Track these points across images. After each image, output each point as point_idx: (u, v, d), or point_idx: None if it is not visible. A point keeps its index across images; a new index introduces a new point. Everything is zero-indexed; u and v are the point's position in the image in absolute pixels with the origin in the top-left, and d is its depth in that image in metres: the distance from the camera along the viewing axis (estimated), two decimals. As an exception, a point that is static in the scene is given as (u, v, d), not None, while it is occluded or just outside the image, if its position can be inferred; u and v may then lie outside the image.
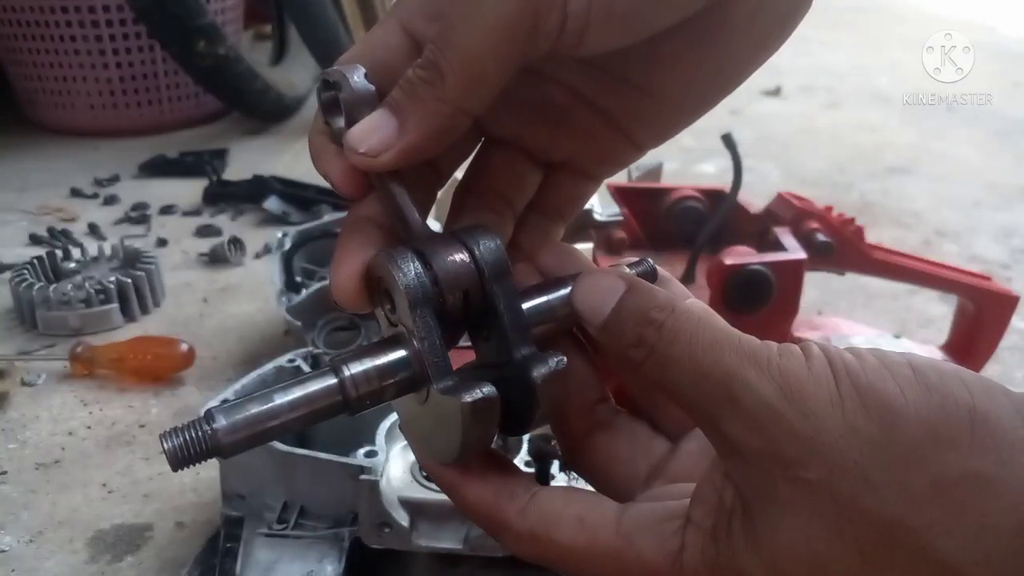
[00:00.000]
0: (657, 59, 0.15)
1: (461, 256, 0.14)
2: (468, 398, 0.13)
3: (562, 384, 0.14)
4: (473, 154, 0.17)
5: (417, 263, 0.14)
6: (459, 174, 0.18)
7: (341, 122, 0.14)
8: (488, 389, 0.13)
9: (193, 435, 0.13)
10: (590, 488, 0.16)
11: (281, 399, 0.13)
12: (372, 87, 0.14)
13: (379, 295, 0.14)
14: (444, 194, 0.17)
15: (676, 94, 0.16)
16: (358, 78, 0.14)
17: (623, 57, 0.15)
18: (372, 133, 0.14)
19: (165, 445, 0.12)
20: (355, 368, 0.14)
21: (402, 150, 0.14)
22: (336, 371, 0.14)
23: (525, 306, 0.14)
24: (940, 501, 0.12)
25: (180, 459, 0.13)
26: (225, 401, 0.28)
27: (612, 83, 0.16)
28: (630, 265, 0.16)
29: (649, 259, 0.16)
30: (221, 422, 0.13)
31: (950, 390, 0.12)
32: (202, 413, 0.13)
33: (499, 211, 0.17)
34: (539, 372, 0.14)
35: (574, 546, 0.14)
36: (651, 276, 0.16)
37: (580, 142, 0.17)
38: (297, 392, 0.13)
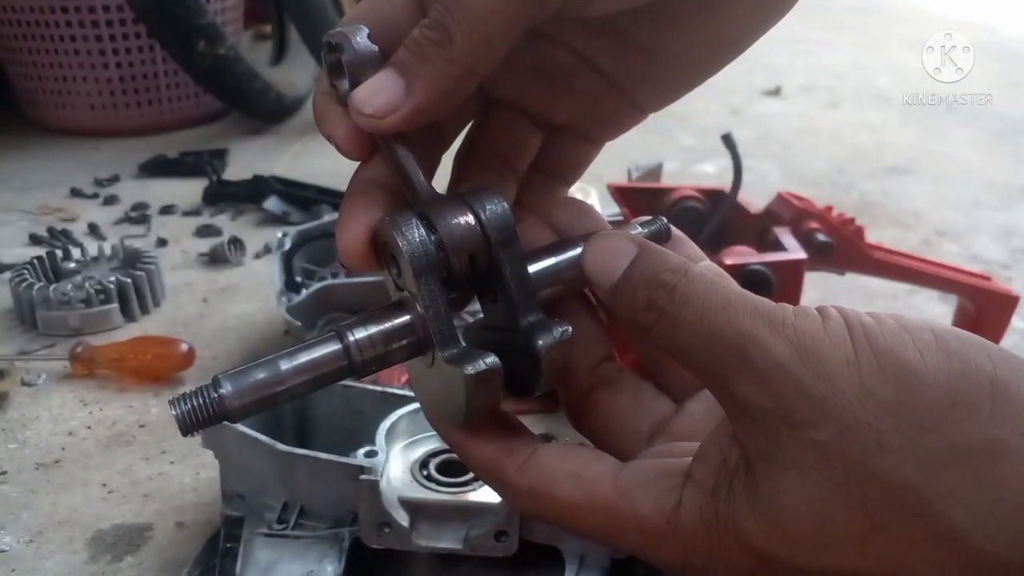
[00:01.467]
0: (662, 21, 0.15)
1: (466, 219, 0.14)
2: (470, 370, 0.13)
3: (566, 352, 0.14)
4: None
5: (422, 228, 0.14)
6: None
7: (346, 84, 0.14)
8: (490, 360, 0.13)
9: (201, 401, 0.13)
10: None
11: (287, 365, 0.13)
12: (375, 48, 0.14)
13: (385, 258, 0.14)
14: None
15: (680, 57, 0.16)
16: (361, 39, 0.14)
17: (628, 18, 0.15)
18: (379, 94, 0.14)
19: (174, 411, 0.13)
20: (359, 333, 0.14)
21: (410, 112, 0.14)
22: (340, 337, 0.14)
23: (533, 268, 0.14)
24: (956, 468, 0.11)
25: (189, 424, 0.13)
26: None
27: (615, 45, 0.16)
28: (643, 223, 0.16)
29: (663, 217, 0.16)
30: (227, 388, 0.13)
31: (971, 357, 0.12)
32: (211, 382, 0.13)
33: (501, 172, 0.17)
34: (543, 342, 0.14)
35: (570, 501, 0.14)
36: (664, 234, 0.16)
37: (581, 104, 0.17)
38: (302, 358, 0.13)
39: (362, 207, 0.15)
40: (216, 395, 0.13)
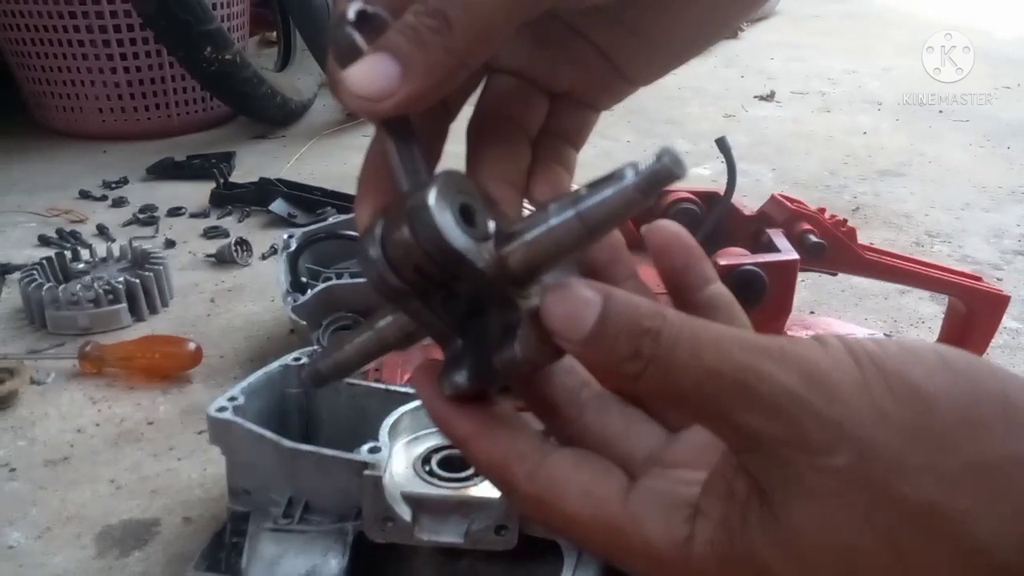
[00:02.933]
0: (648, 5, 0.16)
1: (400, 235, 0.13)
2: (447, 389, 0.14)
3: (521, 367, 0.13)
4: (481, 87, 0.17)
5: (377, 252, 0.13)
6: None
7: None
8: (460, 380, 0.14)
9: (309, 368, 0.16)
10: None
11: (347, 343, 0.16)
12: (353, 33, 0.14)
13: None
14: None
15: (665, 38, 0.16)
16: (338, 29, 0.14)
17: (617, 2, 0.15)
18: (373, 78, 0.13)
19: (299, 376, 0.17)
20: (383, 320, 0.15)
21: (406, 98, 0.13)
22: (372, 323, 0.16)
23: (508, 248, 0.13)
24: (976, 485, 0.11)
25: (309, 383, 0.16)
26: (232, 399, 0.28)
27: (605, 22, 0.16)
28: (643, 166, 0.12)
29: (668, 147, 0.12)
30: (319, 362, 0.16)
31: (979, 376, 0.12)
32: (314, 354, 0.17)
33: (514, 139, 0.17)
34: (496, 364, 0.14)
35: (579, 516, 0.14)
36: (669, 174, 0.11)
37: (579, 73, 0.17)
38: (356, 339, 0.16)
39: (372, 188, 0.15)
40: (315, 365, 0.16)
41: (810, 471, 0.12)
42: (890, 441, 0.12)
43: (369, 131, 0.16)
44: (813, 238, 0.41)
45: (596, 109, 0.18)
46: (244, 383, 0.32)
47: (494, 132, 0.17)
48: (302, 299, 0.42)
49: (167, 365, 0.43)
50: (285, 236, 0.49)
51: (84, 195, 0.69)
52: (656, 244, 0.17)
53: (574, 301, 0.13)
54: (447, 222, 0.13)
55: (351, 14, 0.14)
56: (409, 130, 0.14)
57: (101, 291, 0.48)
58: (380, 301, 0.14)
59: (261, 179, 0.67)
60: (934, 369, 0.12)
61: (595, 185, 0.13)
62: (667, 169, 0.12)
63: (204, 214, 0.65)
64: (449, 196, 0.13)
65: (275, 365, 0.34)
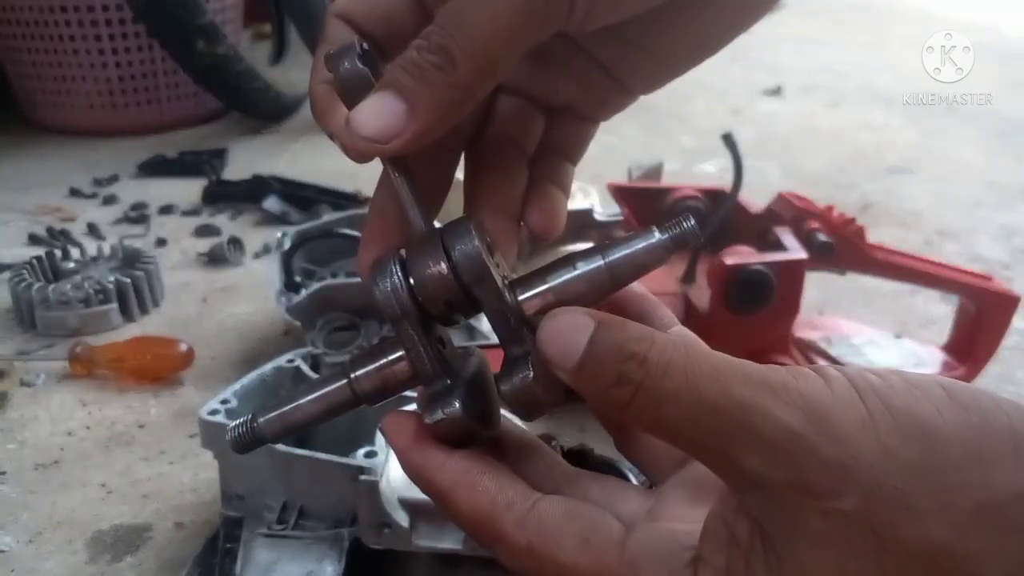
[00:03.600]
0: (649, 20, 0.16)
1: (439, 268, 0.14)
2: (428, 419, 0.14)
3: (530, 390, 0.14)
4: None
5: (397, 275, 0.14)
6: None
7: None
8: (450, 410, 0.14)
9: (244, 429, 0.16)
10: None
11: (303, 399, 0.15)
12: (365, 69, 0.14)
13: None
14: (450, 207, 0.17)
15: (666, 51, 0.17)
16: (348, 64, 0.14)
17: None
18: (379, 118, 0.13)
19: (227, 436, 0.16)
20: (359, 370, 0.15)
21: (412, 136, 0.14)
22: (345, 373, 0.15)
23: (524, 295, 0.14)
24: (987, 525, 0.11)
25: (238, 446, 0.16)
26: (225, 401, 0.29)
27: (607, 38, 0.16)
28: (667, 227, 0.14)
29: (691, 218, 0.14)
30: (261, 422, 0.16)
31: (987, 410, 0.12)
32: (250, 415, 0.16)
33: (512, 157, 0.17)
34: (504, 387, 0.14)
35: (575, 566, 0.13)
36: (692, 237, 0.14)
37: (579, 87, 0.17)
38: (316, 393, 0.15)
39: (379, 231, 0.15)
40: (255, 426, 0.16)
41: (815, 515, 0.12)
42: (897, 481, 0.11)
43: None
44: (821, 237, 0.40)
45: (595, 121, 0.18)
46: (236, 385, 0.32)
47: (493, 156, 0.17)
48: (296, 299, 0.42)
49: (158, 367, 0.43)
50: (278, 234, 0.48)
51: (74, 193, 0.68)
52: (610, 299, 0.17)
53: (567, 326, 0.13)
54: (490, 263, 0.14)
55: (359, 47, 0.14)
56: (407, 166, 0.15)
57: (91, 291, 0.48)
58: (394, 330, 0.14)
59: (254, 176, 0.66)
60: (941, 404, 0.12)
61: (619, 241, 0.14)
62: (693, 230, 0.14)
63: (196, 212, 0.64)
64: (483, 239, 0.14)
65: (268, 367, 0.34)
